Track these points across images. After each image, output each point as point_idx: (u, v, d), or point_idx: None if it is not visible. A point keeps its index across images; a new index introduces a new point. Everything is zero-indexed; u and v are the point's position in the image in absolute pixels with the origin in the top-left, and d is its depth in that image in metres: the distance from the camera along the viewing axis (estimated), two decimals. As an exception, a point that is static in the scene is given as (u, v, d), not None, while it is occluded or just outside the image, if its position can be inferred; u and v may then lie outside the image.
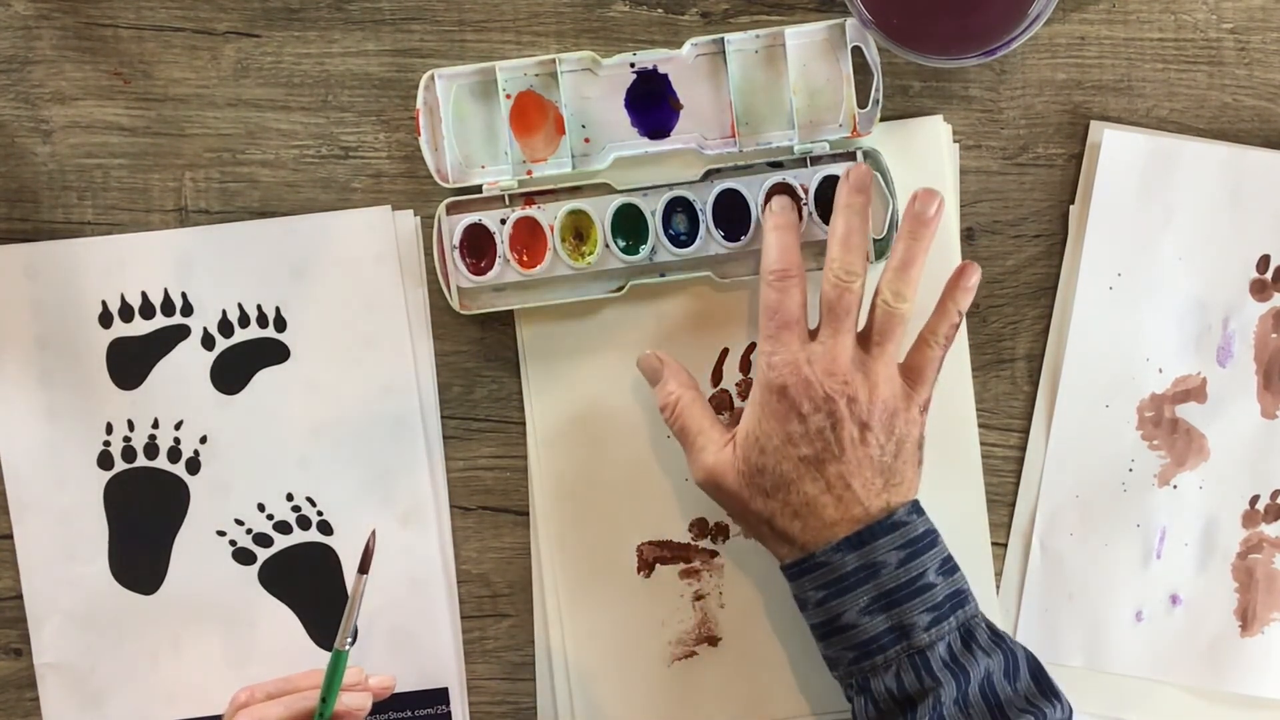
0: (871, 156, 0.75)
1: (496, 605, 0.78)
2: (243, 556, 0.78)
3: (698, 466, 0.72)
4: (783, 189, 0.74)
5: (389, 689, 0.74)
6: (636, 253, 0.75)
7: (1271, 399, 0.76)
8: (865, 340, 0.70)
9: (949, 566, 0.69)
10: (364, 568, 0.72)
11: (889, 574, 0.67)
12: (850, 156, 0.74)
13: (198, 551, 0.78)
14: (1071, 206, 0.76)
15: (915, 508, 0.69)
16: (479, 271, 0.75)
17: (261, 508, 0.78)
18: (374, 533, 0.73)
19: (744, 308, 0.77)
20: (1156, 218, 0.75)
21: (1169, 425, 0.76)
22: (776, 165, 0.75)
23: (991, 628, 0.69)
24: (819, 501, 0.68)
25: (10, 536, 0.78)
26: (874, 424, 0.69)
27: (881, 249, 0.75)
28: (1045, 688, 0.68)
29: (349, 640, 0.71)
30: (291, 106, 0.77)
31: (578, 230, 0.76)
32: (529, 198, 0.75)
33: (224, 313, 0.77)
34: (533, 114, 0.75)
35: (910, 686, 0.67)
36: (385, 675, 0.75)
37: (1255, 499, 0.76)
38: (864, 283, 0.70)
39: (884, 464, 0.69)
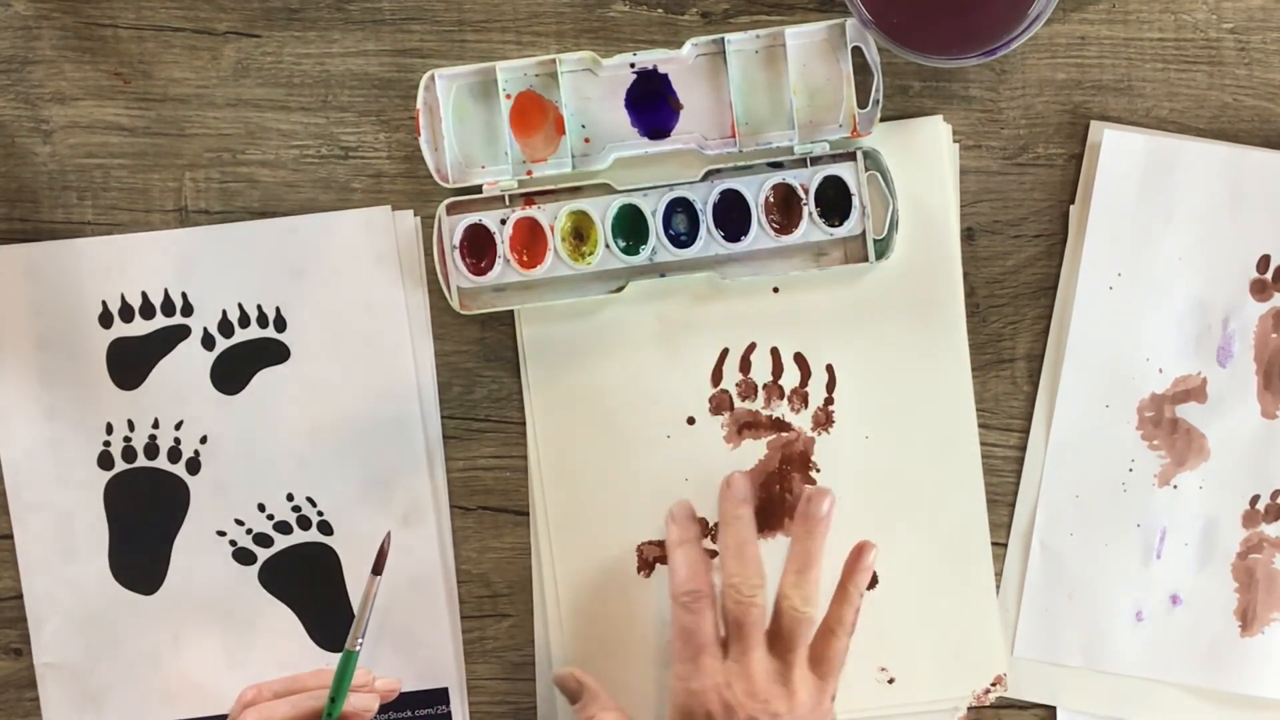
0: (871, 156, 0.75)
1: (496, 605, 0.78)
2: (243, 556, 0.78)
3: None
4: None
5: (395, 691, 0.74)
6: (637, 253, 0.75)
7: (1271, 399, 0.76)
8: (774, 644, 0.70)
9: None
10: (378, 569, 0.72)
11: None
12: (850, 156, 0.74)
13: (198, 551, 0.78)
14: (1071, 206, 0.76)
15: None
16: (479, 272, 0.75)
17: (261, 508, 0.78)
18: (389, 534, 0.73)
19: (744, 308, 0.77)
20: (1156, 218, 0.75)
21: (1169, 425, 0.76)
22: (776, 165, 0.75)
23: None
24: None
25: (10, 536, 0.78)
26: None
27: (881, 249, 0.75)
28: None
29: (359, 641, 0.71)
30: (291, 106, 0.77)
31: (578, 230, 0.76)
32: (529, 198, 0.75)
33: (224, 313, 0.77)
34: (533, 114, 0.75)
35: None
36: (391, 678, 0.75)
37: (1255, 499, 0.76)
38: (765, 592, 0.70)
39: None
